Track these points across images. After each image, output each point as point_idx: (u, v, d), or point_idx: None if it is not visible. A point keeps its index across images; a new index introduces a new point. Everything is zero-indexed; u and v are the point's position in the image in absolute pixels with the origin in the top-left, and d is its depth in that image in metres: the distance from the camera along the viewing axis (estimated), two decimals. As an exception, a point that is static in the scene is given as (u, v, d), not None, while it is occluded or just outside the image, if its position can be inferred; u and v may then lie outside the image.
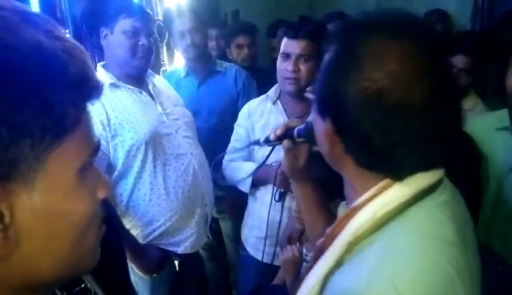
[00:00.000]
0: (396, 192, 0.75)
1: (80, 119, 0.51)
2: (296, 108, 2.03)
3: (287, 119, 2.00)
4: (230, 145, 2.15)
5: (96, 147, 0.55)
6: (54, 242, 0.50)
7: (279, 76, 1.97)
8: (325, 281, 0.77)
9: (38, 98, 0.45)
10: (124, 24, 1.86)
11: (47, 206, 0.48)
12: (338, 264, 0.76)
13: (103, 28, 1.89)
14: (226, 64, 2.70)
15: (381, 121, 0.71)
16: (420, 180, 0.76)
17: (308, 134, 1.14)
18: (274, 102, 2.07)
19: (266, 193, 2.07)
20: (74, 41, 0.52)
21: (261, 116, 2.09)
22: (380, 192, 0.76)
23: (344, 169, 0.83)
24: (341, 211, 0.97)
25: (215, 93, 2.57)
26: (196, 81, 2.59)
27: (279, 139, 1.18)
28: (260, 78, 2.93)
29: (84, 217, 0.52)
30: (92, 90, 0.52)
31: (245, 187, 2.09)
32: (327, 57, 0.80)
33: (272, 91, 2.09)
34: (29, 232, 0.47)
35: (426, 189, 0.76)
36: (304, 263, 1.64)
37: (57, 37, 0.50)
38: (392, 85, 0.69)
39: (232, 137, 2.15)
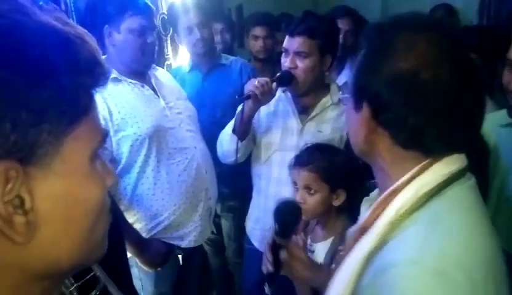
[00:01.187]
0: (435, 173, 0.81)
1: (91, 105, 0.53)
2: (304, 98, 2.01)
3: (295, 109, 2.00)
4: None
5: (105, 135, 0.56)
6: (72, 227, 0.51)
7: None
8: (368, 259, 0.82)
9: (55, 81, 0.46)
10: (131, 22, 1.83)
11: (64, 191, 0.49)
12: (383, 242, 0.81)
13: (106, 26, 1.84)
14: (231, 57, 2.69)
15: (415, 98, 0.79)
16: (455, 162, 0.83)
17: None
18: (284, 91, 2.05)
19: (270, 186, 2.06)
20: (82, 28, 0.53)
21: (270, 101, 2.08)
22: (419, 173, 0.82)
23: (379, 155, 0.88)
24: (365, 205, 1.04)
25: (220, 86, 2.55)
26: (201, 75, 2.57)
27: None
28: (276, 71, 2.92)
29: (97, 203, 0.53)
30: (101, 75, 0.53)
31: (231, 145, 1.99)
32: (360, 53, 0.88)
33: None
34: (48, 217, 0.48)
35: (459, 171, 0.83)
36: (309, 254, 1.65)
37: (68, 24, 0.51)
38: (422, 65, 0.78)
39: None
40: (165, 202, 1.93)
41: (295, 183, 1.65)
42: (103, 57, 1.76)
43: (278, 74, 1.91)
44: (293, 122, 1.99)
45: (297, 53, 1.89)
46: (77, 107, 0.49)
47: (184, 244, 2.02)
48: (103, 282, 0.77)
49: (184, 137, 1.98)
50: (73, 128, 0.48)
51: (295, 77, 1.89)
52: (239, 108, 2.10)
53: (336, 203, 1.59)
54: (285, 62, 1.91)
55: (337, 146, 1.85)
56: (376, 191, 1.02)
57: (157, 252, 1.94)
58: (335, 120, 1.96)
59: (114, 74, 1.86)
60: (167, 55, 3.03)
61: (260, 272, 2.14)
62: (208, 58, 2.56)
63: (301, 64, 1.89)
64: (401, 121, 0.80)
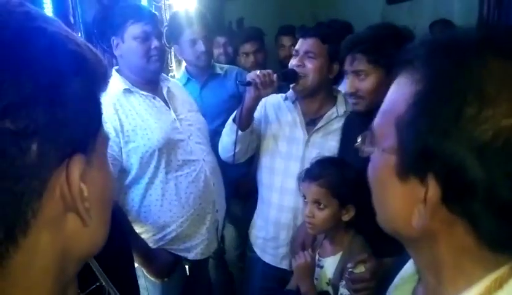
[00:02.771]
0: None
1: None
2: (311, 108, 2.04)
3: (302, 120, 2.02)
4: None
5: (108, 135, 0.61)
6: (104, 212, 0.55)
7: None
8: None
9: (95, 82, 0.51)
10: (133, 30, 1.86)
11: (100, 180, 0.53)
12: None
13: (113, 38, 1.88)
14: (225, 66, 2.72)
15: None
16: None
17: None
18: (293, 102, 2.07)
19: (272, 195, 2.07)
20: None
21: (278, 109, 2.10)
22: (493, 289, 0.55)
23: (435, 252, 0.59)
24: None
25: (218, 95, 2.58)
26: (198, 86, 2.60)
27: None
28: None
29: (113, 192, 0.59)
30: (107, 81, 0.56)
31: (231, 136, 1.99)
32: (410, 89, 0.57)
33: (291, 92, 2.09)
34: (95, 203, 0.51)
35: None
36: (318, 268, 1.65)
37: (69, 31, 0.53)
38: None
39: None
40: (173, 214, 1.93)
41: (304, 196, 1.66)
42: (116, 67, 1.79)
43: (283, 70, 1.96)
44: (300, 132, 2.02)
45: (306, 53, 1.93)
46: (100, 110, 0.54)
47: (190, 256, 2.02)
48: (108, 291, 0.78)
49: (193, 150, 1.99)
50: (100, 126, 0.53)
51: (300, 77, 1.93)
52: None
53: (346, 218, 1.60)
54: (293, 61, 1.95)
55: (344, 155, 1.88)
56: (408, 270, 0.75)
57: (163, 262, 1.95)
58: (340, 131, 1.99)
59: (127, 85, 1.89)
60: (170, 67, 3.04)
61: (262, 281, 2.15)
62: (204, 69, 2.59)
63: (309, 64, 1.92)
64: (500, 211, 0.52)
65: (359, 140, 0.68)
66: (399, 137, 0.57)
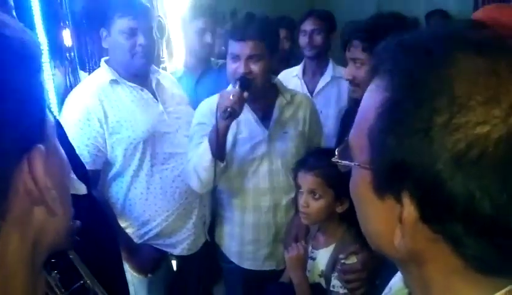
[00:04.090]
0: None
1: None
2: (258, 103, 1.94)
3: (256, 117, 1.93)
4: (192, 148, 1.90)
5: None
6: (66, 200, 0.54)
7: (230, 78, 1.89)
8: None
9: (40, 75, 0.50)
10: (120, 24, 1.81)
11: (57, 164, 0.52)
12: None
13: (102, 29, 1.85)
14: (220, 61, 2.67)
15: None
16: None
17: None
18: None
19: (246, 198, 1.99)
20: None
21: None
22: None
23: (423, 274, 0.54)
24: None
25: (213, 89, 2.51)
26: (193, 79, 2.56)
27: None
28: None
29: (69, 175, 0.58)
30: (42, 63, 0.55)
31: (212, 171, 1.83)
32: (379, 97, 0.52)
33: None
34: (57, 194, 0.49)
35: None
36: (310, 261, 1.64)
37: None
38: None
39: (195, 140, 1.89)
40: (158, 208, 1.91)
41: (299, 186, 1.64)
42: (105, 58, 1.76)
43: (239, 82, 1.80)
44: (259, 130, 1.93)
45: (250, 58, 1.82)
46: (44, 92, 0.52)
47: (176, 252, 2.00)
48: (93, 289, 0.77)
49: (180, 143, 1.95)
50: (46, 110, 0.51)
51: (252, 82, 1.81)
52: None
53: (340, 210, 1.60)
54: (238, 68, 1.82)
55: (303, 141, 1.91)
56: (398, 283, 0.71)
57: (147, 258, 1.93)
58: (294, 117, 1.96)
59: (114, 76, 1.85)
60: (162, 58, 3.01)
61: (245, 288, 2.08)
62: (203, 62, 2.56)
63: (255, 67, 1.82)
64: (485, 229, 0.47)
65: (336, 153, 0.64)
66: (372, 151, 0.52)
